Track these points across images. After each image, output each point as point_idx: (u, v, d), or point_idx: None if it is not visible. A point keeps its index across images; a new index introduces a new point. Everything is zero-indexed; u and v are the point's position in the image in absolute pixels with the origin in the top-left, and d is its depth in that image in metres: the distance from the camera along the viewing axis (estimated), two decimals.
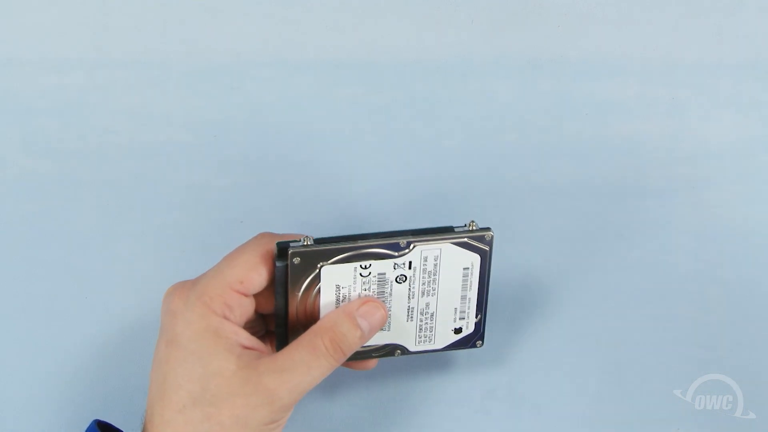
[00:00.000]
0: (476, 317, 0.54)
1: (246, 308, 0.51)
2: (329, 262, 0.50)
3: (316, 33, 0.60)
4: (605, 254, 0.61)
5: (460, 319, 0.54)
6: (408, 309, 0.53)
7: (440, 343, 0.55)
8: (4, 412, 0.60)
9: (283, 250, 0.49)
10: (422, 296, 0.53)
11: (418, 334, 0.54)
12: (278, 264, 0.49)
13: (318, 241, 0.50)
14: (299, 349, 0.50)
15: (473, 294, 0.54)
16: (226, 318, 0.50)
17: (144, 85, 0.59)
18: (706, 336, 0.61)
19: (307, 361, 0.49)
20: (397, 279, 0.52)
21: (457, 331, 0.54)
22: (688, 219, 0.61)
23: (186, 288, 0.51)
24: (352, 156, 0.60)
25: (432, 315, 0.54)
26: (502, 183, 0.61)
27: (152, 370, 0.51)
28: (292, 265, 0.49)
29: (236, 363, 0.49)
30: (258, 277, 0.50)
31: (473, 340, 0.55)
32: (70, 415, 0.60)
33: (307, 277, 0.50)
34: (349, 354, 0.50)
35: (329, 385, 0.55)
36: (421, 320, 0.54)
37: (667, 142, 0.61)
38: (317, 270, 0.50)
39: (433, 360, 0.58)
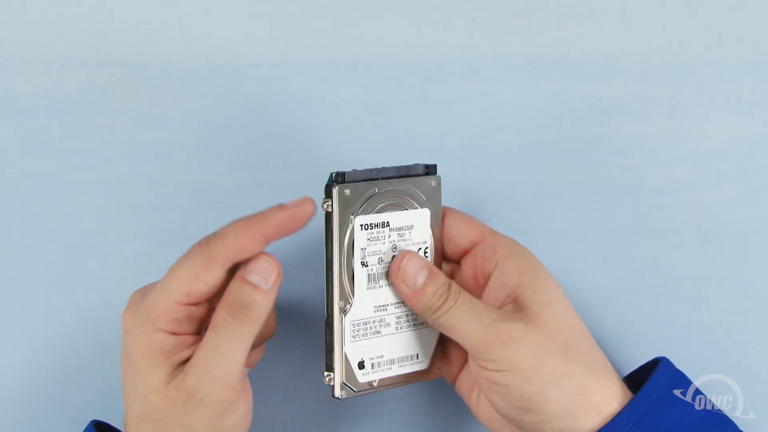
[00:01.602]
0: None
1: (200, 314, 0.49)
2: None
3: (316, 33, 0.60)
4: (605, 254, 0.61)
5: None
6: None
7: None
8: (4, 411, 0.60)
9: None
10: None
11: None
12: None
13: None
14: (206, 334, 0.48)
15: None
16: (174, 333, 0.48)
17: (144, 85, 0.59)
18: (706, 336, 0.61)
19: (212, 343, 0.48)
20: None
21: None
22: (688, 219, 0.61)
23: (136, 303, 0.50)
24: (353, 156, 0.60)
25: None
26: (501, 183, 0.61)
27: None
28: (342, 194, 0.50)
29: (171, 373, 0.48)
30: (204, 287, 0.48)
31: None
32: (70, 415, 0.60)
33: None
34: (258, 315, 0.48)
35: None
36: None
37: (667, 142, 0.61)
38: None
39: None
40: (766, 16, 0.61)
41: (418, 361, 0.54)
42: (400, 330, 0.53)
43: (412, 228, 0.53)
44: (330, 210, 0.51)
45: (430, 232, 0.54)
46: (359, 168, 0.52)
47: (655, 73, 0.61)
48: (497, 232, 0.54)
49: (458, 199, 0.60)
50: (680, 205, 0.61)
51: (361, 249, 0.51)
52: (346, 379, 0.51)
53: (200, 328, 0.50)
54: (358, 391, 0.52)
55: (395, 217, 0.52)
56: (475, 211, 0.59)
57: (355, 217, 0.51)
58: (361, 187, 0.51)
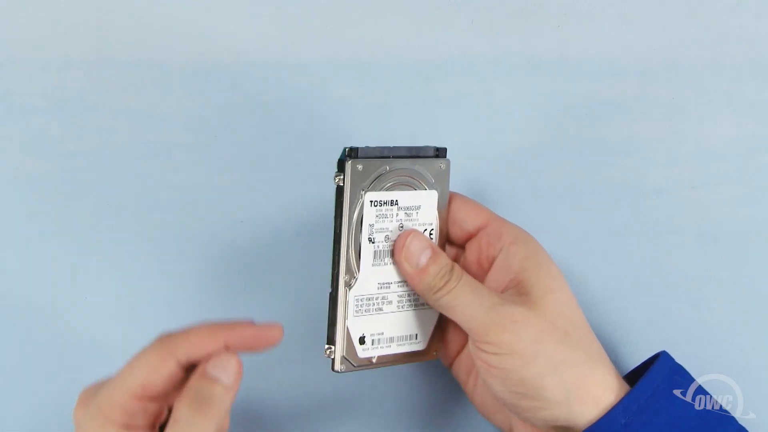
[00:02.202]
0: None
1: (154, 411, 0.48)
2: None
3: (316, 33, 0.60)
4: (605, 254, 0.61)
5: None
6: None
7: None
8: (4, 411, 0.60)
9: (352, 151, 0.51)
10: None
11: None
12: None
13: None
14: (167, 430, 0.47)
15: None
16: (128, 427, 0.47)
17: (144, 85, 0.59)
18: (706, 336, 0.61)
19: None
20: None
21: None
22: (688, 219, 0.61)
23: (88, 396, 0.49)
24: None
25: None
26: (501, 183, 0.61)
27: None
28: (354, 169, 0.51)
29: None
30: (160, 379, 0.47)
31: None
32: (70, 415, 0.60)
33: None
34: (220, 409, 0.47)
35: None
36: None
37: (667, 142, 0.61)
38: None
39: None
40: (766, 16, 0.61)
41: (416, 341, 0.54)
42: (401, 309, 0.53)
43: (420, 208, 0.53)
44: (342, 184, 0.51)
45: (437, 214, 0.54)
46: (371, 145, 0.52)
47: (655, 73, 0.61)
48: (503, 218, 0.55)
49: None
50: (680, 205, 0.61)
51: (369, 225, 0.52)
52: (346, 353, 0.52)
53: (154, 425, 0.49)
54: (357, 366, 0.52)
55: (404, 196, 0.53)
56: None
57: (365, 192, 0.52)
58: (373, 164, 0.52)
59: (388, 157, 0.52)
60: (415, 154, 0.53)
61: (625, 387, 0.51)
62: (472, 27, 0.60)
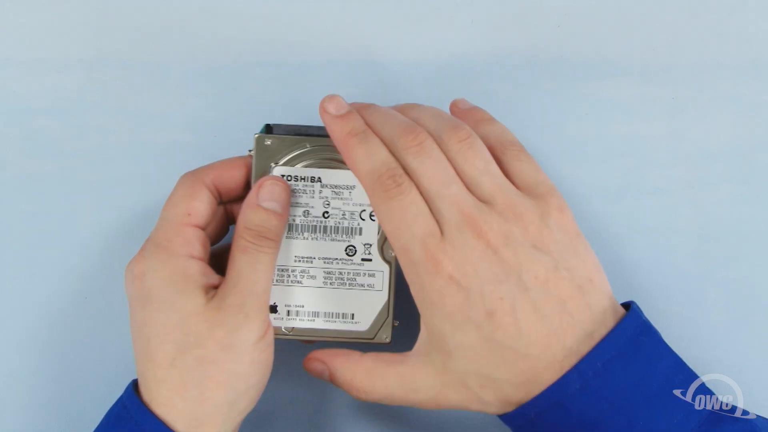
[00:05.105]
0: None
1: (204, 241, 0.52)
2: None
3: (316, 33, 0.60)
4: (605, 254, 0.61)
5: None
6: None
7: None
8: (4, 411, 0.60)
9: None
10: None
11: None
12: None
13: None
14: (234, 257, 0.50)
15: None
16: (191, 256, 0.50)
17: (144, 85, 0.59)
18: (706, 336, 0.61)
19: (246, 261, 0.50)
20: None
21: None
22: (688, 219, 0.61)
23: (140, 250, 0.51)
24: None
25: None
26: None
27: (133, 339, 0.51)
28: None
29: (205, 297, 0.49)
30: (201, 204, 0.51)
31: None
32: (70, 415, 0.60)
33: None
34: (278, 235, 0.51)
35: None
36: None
37: (667, 142, 0.61)
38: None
39: None
40: (766, 16, 0.61)
41: (352, 321, 0.54)
42: (329, 286, 0.53)
43: (354, 188, 0.53)
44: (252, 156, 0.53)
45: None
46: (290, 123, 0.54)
47: (655, 73, 0.61)
48: None
49: None
50: (680, 205, 0.61)
51: None
52: None
53: (208, 257, 0.52)
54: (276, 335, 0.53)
55: (330, 174, 0.53)
56: None
57: (275, 166, 0.53)
58: (287, 141, 0.53)
59: (306, 135, 0.53)
60: (325, 133, 0.53)
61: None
62: (472, 27, 0.60)
